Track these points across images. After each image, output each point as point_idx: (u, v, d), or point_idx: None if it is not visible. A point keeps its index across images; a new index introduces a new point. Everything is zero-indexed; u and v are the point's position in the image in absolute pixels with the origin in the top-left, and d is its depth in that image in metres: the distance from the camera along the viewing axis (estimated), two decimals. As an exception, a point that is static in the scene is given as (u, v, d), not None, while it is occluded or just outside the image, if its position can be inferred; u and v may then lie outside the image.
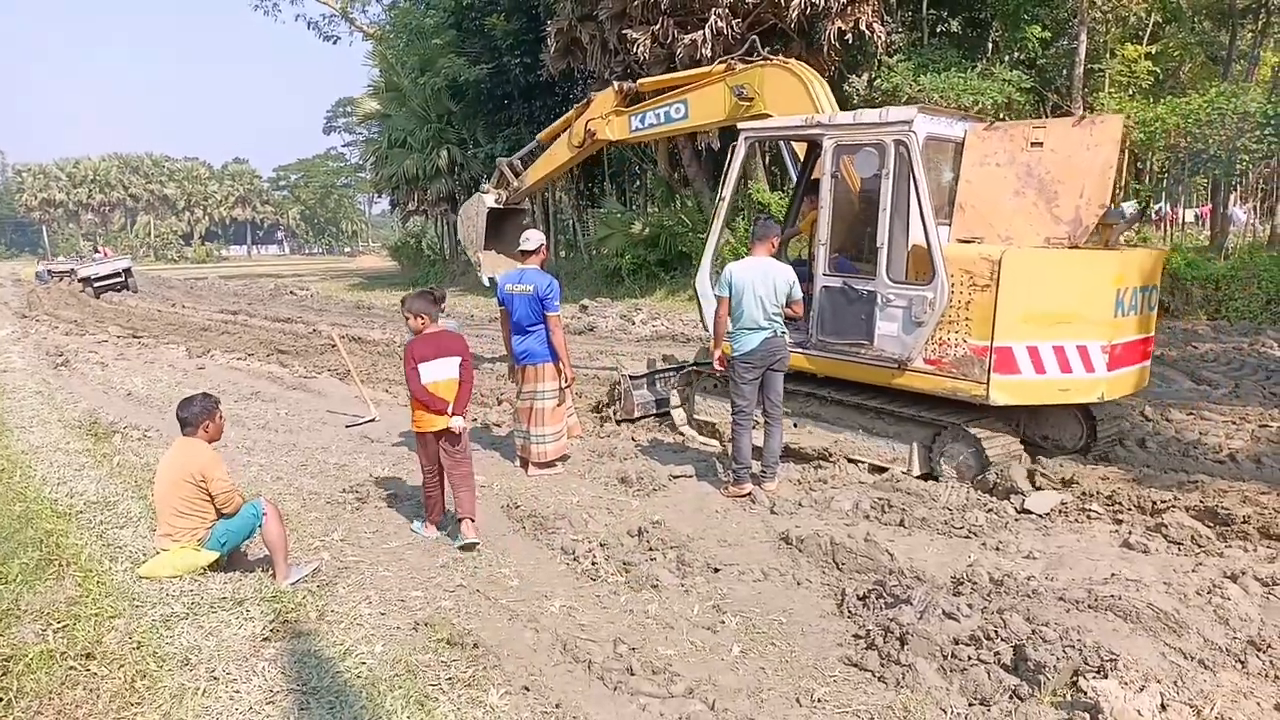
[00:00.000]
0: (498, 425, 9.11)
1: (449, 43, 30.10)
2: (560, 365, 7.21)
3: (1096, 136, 6.66)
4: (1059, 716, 3.39)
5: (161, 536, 4.89)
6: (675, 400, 8.92)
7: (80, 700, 3.59)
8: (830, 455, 7.29)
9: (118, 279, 36.06)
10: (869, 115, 6.97)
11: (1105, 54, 20.93)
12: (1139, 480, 6.40)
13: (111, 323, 22.32)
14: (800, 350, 7.25)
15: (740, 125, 7.89)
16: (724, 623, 4.45)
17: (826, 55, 19.33)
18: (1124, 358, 6.36)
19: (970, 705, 3.56)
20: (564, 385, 7.30)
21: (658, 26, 19.75)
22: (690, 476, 6.97)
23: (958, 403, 6.56)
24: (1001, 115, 19.88)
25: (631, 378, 9.39)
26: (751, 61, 8.12)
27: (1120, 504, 5.81)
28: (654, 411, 9.34)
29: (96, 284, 35.43)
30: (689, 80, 8.91)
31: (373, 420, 9.43)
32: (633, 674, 3.90)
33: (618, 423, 9.23)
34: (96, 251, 46.51)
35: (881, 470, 6.99)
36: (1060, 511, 5.78)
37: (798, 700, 3.71)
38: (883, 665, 3.88)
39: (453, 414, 5.69)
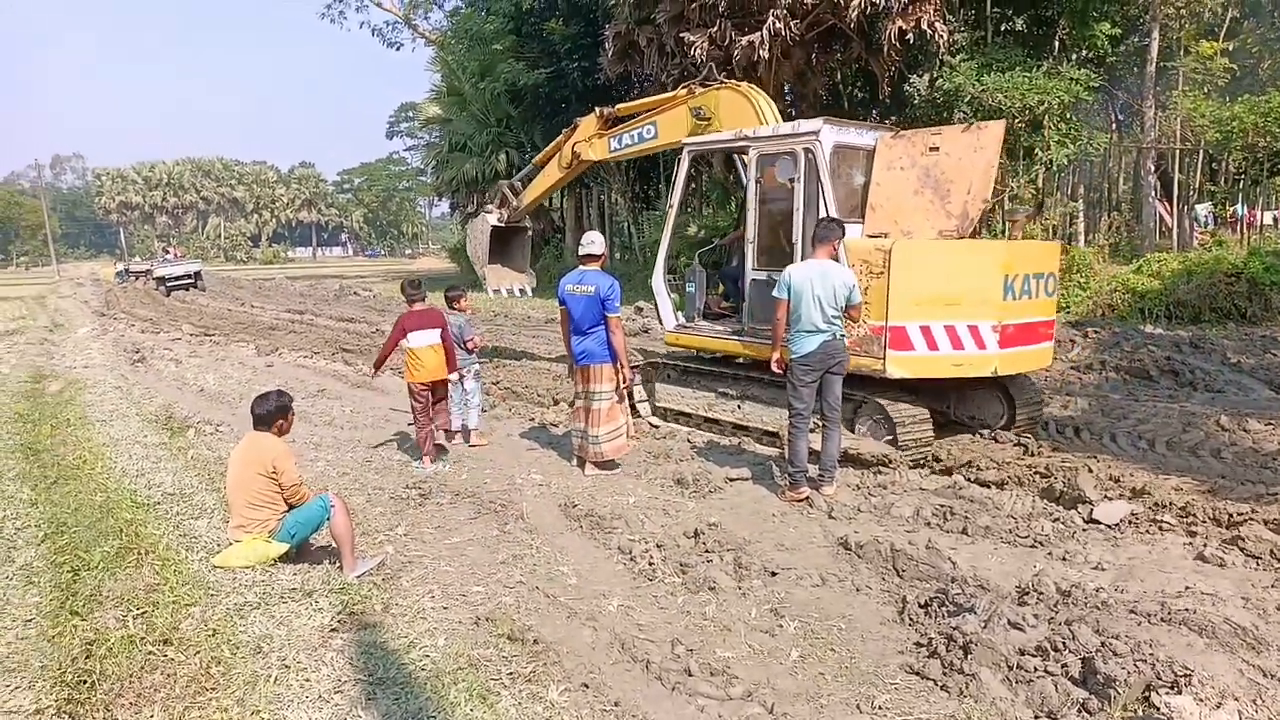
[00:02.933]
0: (554, 425, 9.19)
1: (508, 48, 30.42)
2: (619, 366, 7.26)
3: (982, 140, 7.58)
4: (1129, 731, 3.32)
5: (234, 528, 5.06)
6: (640, 394, 9.53)
7: (159, 684, 3.73)
8: (772, 430, 7.93)
9: (189, 279, 37.79)
10: (785, 128, 7.91)
11: (1179, 51, 20.30)
12: (1214, 491, 6.21)
13: (185, 321, 23.06)
14: (736, 338, 8.32)
15: (683, 140, 8.92)
16: (782, 627, 4.43)
17: (886, 55, 19.10)
18: (1018, 337, 6.95)
19: (1036, 718, 3.50)
20: (622, 386, 7.35)
21: (715, 29, 19.70)
22: (746, 479, 6.95)
23: (880, 381, 7.20)
24: (1068, 115, 19.46)
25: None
26: (708, 86, 8.96)
27: (1194, 515, 5.63)
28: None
29: (170, 283, 37.18)
30: (658, 104, 9.77)
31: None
32: (691, 675, 3.91)
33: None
34: (167, 252, 48.12)
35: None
36: (1130, 522, 5.62)
37: (858, 707, 3.68)
38: (945, 674, 3.82)
39: (450, 371, 7.81)
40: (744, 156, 8.38)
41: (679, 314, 9.37)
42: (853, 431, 7.59)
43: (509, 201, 12.20)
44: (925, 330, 6.97)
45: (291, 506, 5.11)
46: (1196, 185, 23.09)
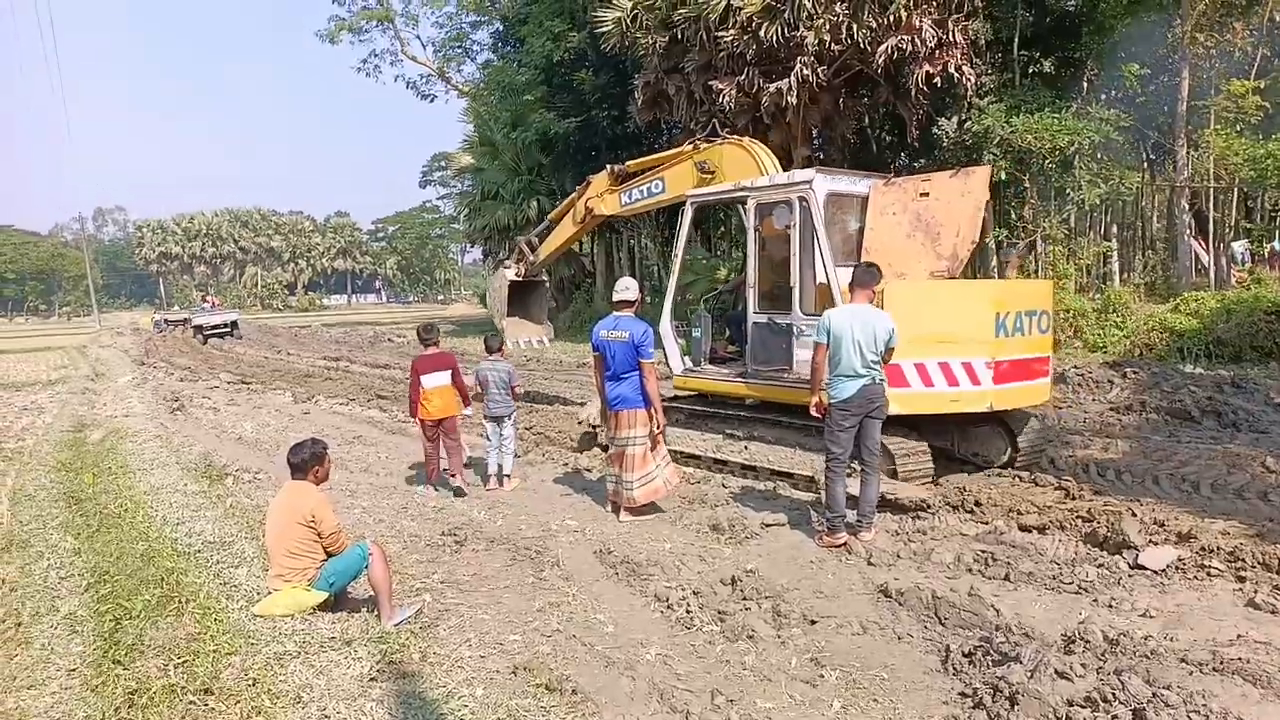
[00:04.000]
0: (588, 470, 9.20)
1: (539, 98, 30.98)
2: (652, 412, 7.28)
3: (970, 184, 8.02)
4: (1184, 786, 3.23)
5: (274, 577, 5.09)
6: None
7: (200, 734, 3.75)
8: (780, 470, 8.23)
9: (225, 328, 39.00)
10: (781, 178, 8.37)
11: (1210, 90, 20.21)
12: (1262, 535, 6.06)
13: (222, 369, 23.43)
14: (741, 380, 8.68)
15: (686, 193, 9.37)
16: (823, 677, 4.36)
17: (914, 99, 19.19)
18: (1012, 373, 7.11)
19: (1087, 770, 3.41)
20: (656, 431, 7.36)
21: (743, 77, 19.94)
22: (783, 525, 6.90)
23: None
24: (1099, 155, 19.39)
25: (594, 426, 10.27)
26: (712, 141, 9.37)
27: (1243, 560, 5.50)
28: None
29: (206, 332, 38.23)
30: (665, 160, 10.23)
31: (468, 465, 9.62)
32: (731, 726, 3.86)
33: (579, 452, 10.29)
34: (205, 301, 49.15)
35: (814, 481, 7.69)
36: (1177, 568, 5.50)
37: (902, 759, 3.61)
38: (991, 725, 3.74)
39: (465, 405, 8.53)
40: (744, 206, 8.75)
41: (686, 359, 9.73)
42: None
43: (526, 257, 12.69)
44: (920, 368, 7.23)
45: (330, 555, 5.15)
46: (1232, 223, 22.82)
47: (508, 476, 8.64)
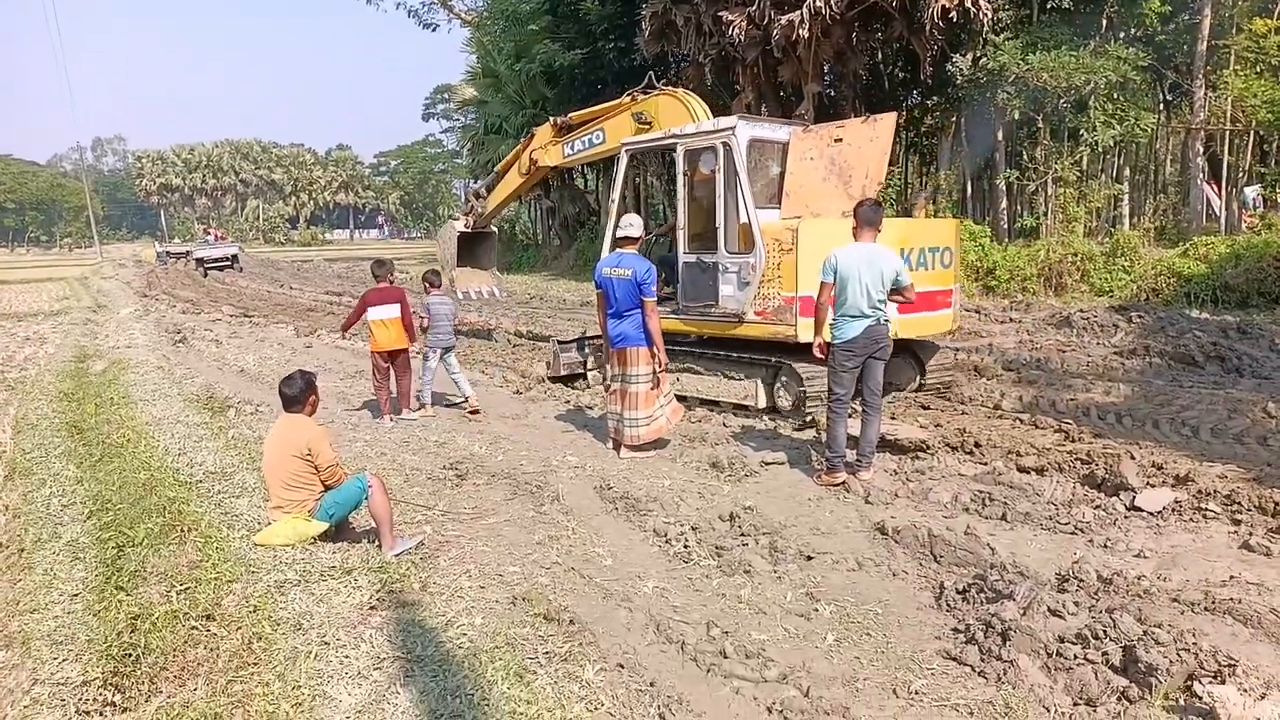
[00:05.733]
0: (590, 407, 9.22)
1: (544, 28, 30.37)
2: (655, 350, 7.26)
3: (877, 130, 8.78)
4: (1171, 720, 3.27)
5: (272, 508, 5.13)
6: (593, 364, 10.77)
7: (202, 659, 3.81)
8: (708, 399, 9.10)
9: (226, 261, 39.01)
10: (706, 125, 8.85)
11: (1231, 29, 19.72)
12: (1260, 480, 6.07)
13: (225, 302, 23.42)
14: (675, 316, 9.06)
15: (622, 141, 9.83)
16: (818, 610, 4.41)
17: (929, 34, 18.76)
18: (916, 305, 7.06)
19: (1075, 705, 3.45)
20: (658, 369, 7.35)
21: (753, 7, 19.50)
22: (783, 463, 6.92)
23: (795, 346, 8.07)
24: (1115, 95, 19.01)
25: (560, 343, 11.11)
26: (649, 93, 9.77)
27: (1239, 504, 5.51)
28: (579, 372, 10.91)
29: (208, 265, 38.22)
30: (605, 112, 10.60)
31: (467, 399, 9.64)
32: (726, 657, 3.90)
33: (550, 380, 10.88)
34: (208, 233, 49.00)
35: (743, 408, 8.74)
36: (1174, 510, 5.52)
37: (894, 691, 3.66)
38: (983, 660, 3.78)
39: (411, 341, 8.87)
40: (674, 153, 9.14)
41: None
42: (771, 394, 8.70)
43: (474, 208, 13.09)
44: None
45: (328, 488, 5.17)
46: (1246, 167, 22.48)
47: (471, 397, 9.24)
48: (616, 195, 10.11)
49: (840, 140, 8.76)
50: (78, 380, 11.12)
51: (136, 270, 42.80)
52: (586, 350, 11.05)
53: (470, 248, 13.45)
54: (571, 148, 11.05)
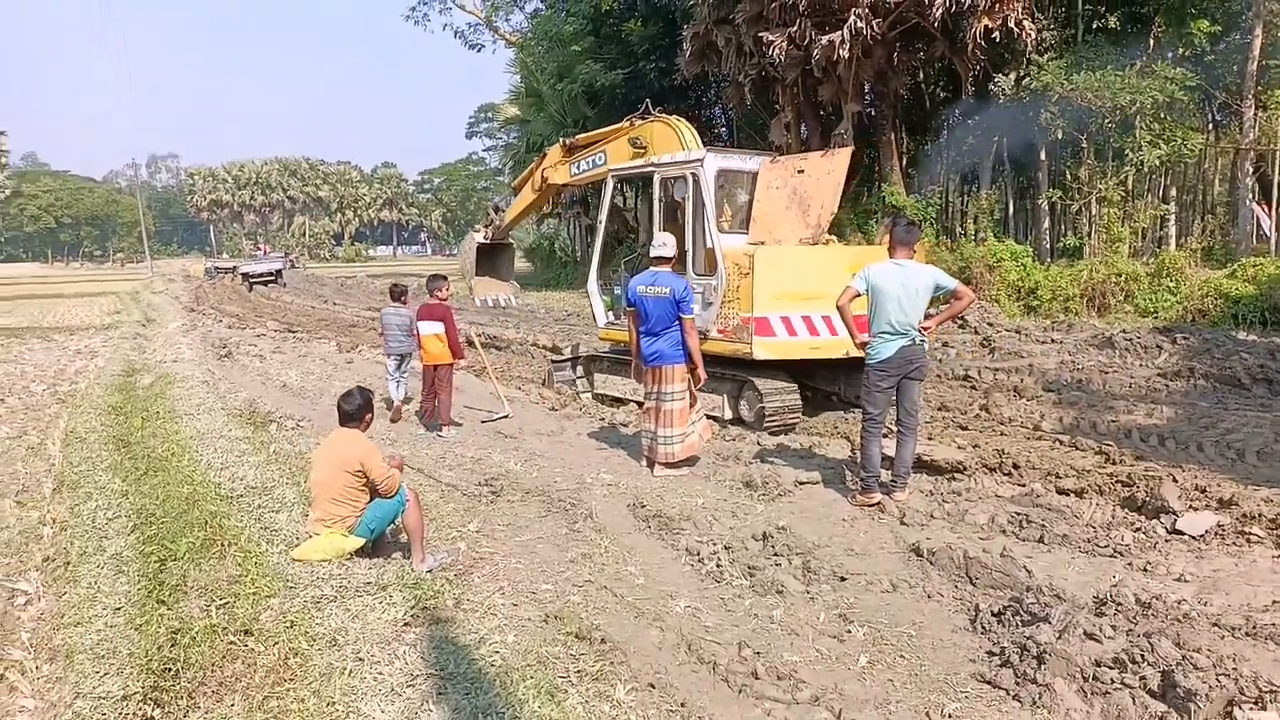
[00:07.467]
0: (624, 425, 9.25)
1: (587, 49, 30.67)
2: (692, 367, 7.28)
3: (833, 163, 9.27)
4: (1211, 750, 3.20)
5: (315, 521, 5.21)
6: (581, 378, 11.52)
7: (239, 673, 3.87)
8: None
9: (270, 276, 40.01)
10: (680, 155, 9.33)
11: (1282, 48, 19.36)
12: (1309, 505, 5.91)
13: (269, 318, 23.85)
14: None
15: (609, 168, 10.47)
16: (851, 632, 4.38)
17: (971, 54, 18.69)
18: (866, 325, 7.01)
19: (1112, 732, 3.40)
20: (694, 387, 7.36)
21: (794, 29, 19.54)
22: (817, 483, 6.88)
23: (760, 364, 8.63)
24: (1162, 115, 18.73)
25: (554, 361, 12.02)
26: (645, 119, 10.13)
27: (1286, 529, 5.38)
28: (574, 385, 11.56)
29: (253, 280, 39.11)
30: (609, 135, 10.91)
31: (506, 416, 9.73)
32: (757, 678, 3.89)
33: (542, 390, 11.51)
34: (258, 249, 50.06)
35: (712, 418, 8.88)
36: (1216, 533, 5.40)
37: (927, 715, 3.62)
38: (1018, 684, 3.73)
39: (455, 358, 9.24)
40: (652, 180, 9.74)
41: (609, 314, 10.84)
42: (736, 407, 9.21)
43: (493, 221, 13.62)
44: (785, 320, 8.47)
45: (381, 496, 5.23)
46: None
47: (403, 401, 10.02)
48: (603, 217, 10.73)
49: (802, 171, 9.32)
50: (125, 394, 11.40)
51: (185, 285, 43.78)
52: (579, 368, 11.67)
53: (489, 258, 14.04)
54: (578, 167, 11.41)
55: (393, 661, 3.93)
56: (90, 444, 8.49)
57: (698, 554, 5.39)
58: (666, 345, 7.27)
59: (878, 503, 6.24)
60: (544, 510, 6.35)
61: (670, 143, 9.65)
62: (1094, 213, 19.99)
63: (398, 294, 10.30)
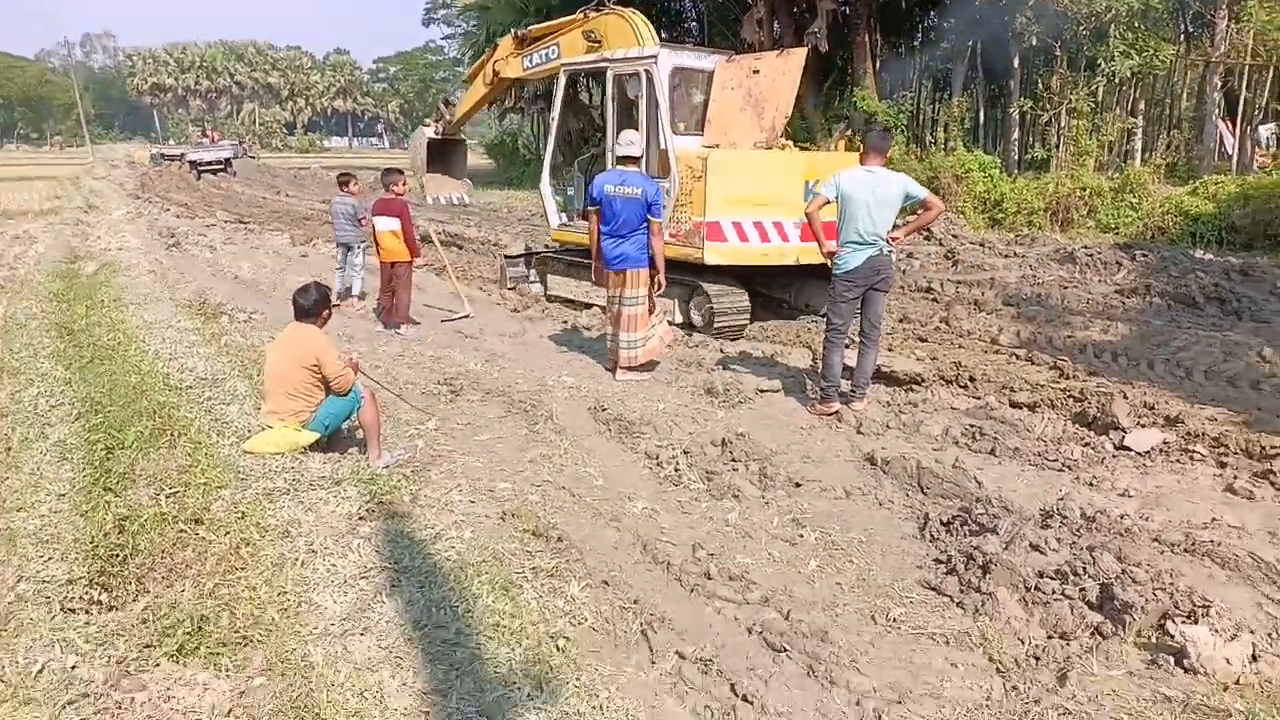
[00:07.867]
0: (587, 328, 9.18)
1: (552, -72, 29.24)
2: (654, 271, 7.18)
3: (788, 64, 8.90)
4: (1142, 657, 3.33)
5: (268, 414, 5.12)
6: (535, 278, 11.43)
7: (189, 561, 3.85)
8: None
9: (219, 164, 38.74)
10: (633, 51, 8.95)
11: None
12: (1249, 424, 6.08)
13: (219, 208, 23.12)
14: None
15: (561, 62, 10.13)
16: (803, 537, 4.46)
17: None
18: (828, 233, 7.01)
19: (1049, 638, 3.51)
20: (655, 291, 7.28)
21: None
22: (777, 391, 6.92)
23: (709, 269, 8.55)
24: (1136, 24, 18.49)
25: (508, 257, 11.94)
26: (600, 11, 9.67)
27: (1227, 447, 5.52)
28: (527, 283, 11.51)
29: (201, 168, 37.77)
30: (561, 27, 10.45)
31: (467, 316, 9.61)
32: (710, 578, 3.96)
33: (502, 290, 11.46)
34: (205, 136, 48.23)
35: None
36: (1161, 451, 5.53)
37: (873, 618, 3.72)
38: (962, 592, 3.84)
39: (411, 255, 9.04)
40: (605, 76, 9.49)
41: (562, 215, 10.67)
42: (685, 312, 9.21)
43: (443, 116, 13.22)
44: (737, 225, 8.36)
45: (335, 393, 5.14)
46: (1263, 105, 22.03)
47: (358, 296, 10.02)
48: (556, 114, 10.41)
49: (758, 72, 8.99)
50: (68, 281, 11.03)
51: (129, 172, 42.08)
52: (533, 263, 11.58)
53: (441, 154, 13.50)
54: (530, 61, 10.92)
55: (346, 554, 3.92)
56: (31, 330, 8.23)
57: (657, 458, 5.42)
58: (632, 248, 7.11)
59: (836, 412, 6.30)
60: (504, 411, 6.32)
61: (625, 37, 9.24)
62: (1063, 124, 19.88)
63: (343, 182, 10.21)
